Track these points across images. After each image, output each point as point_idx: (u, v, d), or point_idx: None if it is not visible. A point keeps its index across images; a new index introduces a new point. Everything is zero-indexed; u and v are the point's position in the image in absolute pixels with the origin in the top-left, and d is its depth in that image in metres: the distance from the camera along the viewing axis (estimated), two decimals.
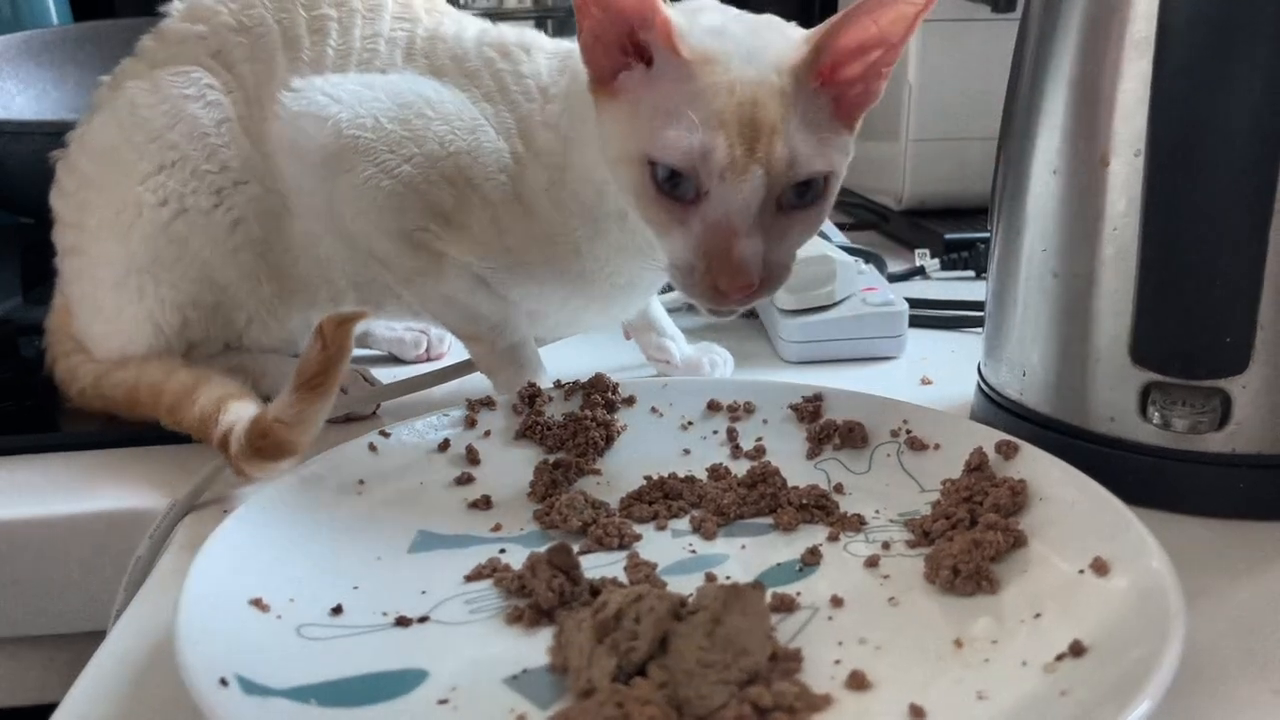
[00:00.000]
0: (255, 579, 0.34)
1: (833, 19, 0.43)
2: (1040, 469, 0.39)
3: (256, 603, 0.33)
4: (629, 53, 0.43)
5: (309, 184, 0.51)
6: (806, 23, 0.45)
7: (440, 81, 0.51)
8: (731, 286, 0.42)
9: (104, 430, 0.54)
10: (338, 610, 0.34)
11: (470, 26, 0.54)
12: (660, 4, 0.41)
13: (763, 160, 0.41)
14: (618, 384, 0.49)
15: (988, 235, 0.51)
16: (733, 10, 0.47)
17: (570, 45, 0.52)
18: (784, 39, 0.44)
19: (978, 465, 0.40)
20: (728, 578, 0.36)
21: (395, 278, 0.53)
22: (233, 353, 0.57)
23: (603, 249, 0.51)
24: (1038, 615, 0.32)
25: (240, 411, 0.46)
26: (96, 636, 0.46)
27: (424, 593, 0.36)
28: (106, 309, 0.54)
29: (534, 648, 0.32)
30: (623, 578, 0.36)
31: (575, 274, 0.52)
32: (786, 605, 0.34)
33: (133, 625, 0.37)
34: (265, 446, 0.42)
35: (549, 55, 0.52)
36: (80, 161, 0.54)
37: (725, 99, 0.41)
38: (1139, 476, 0.41)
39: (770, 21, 0.46)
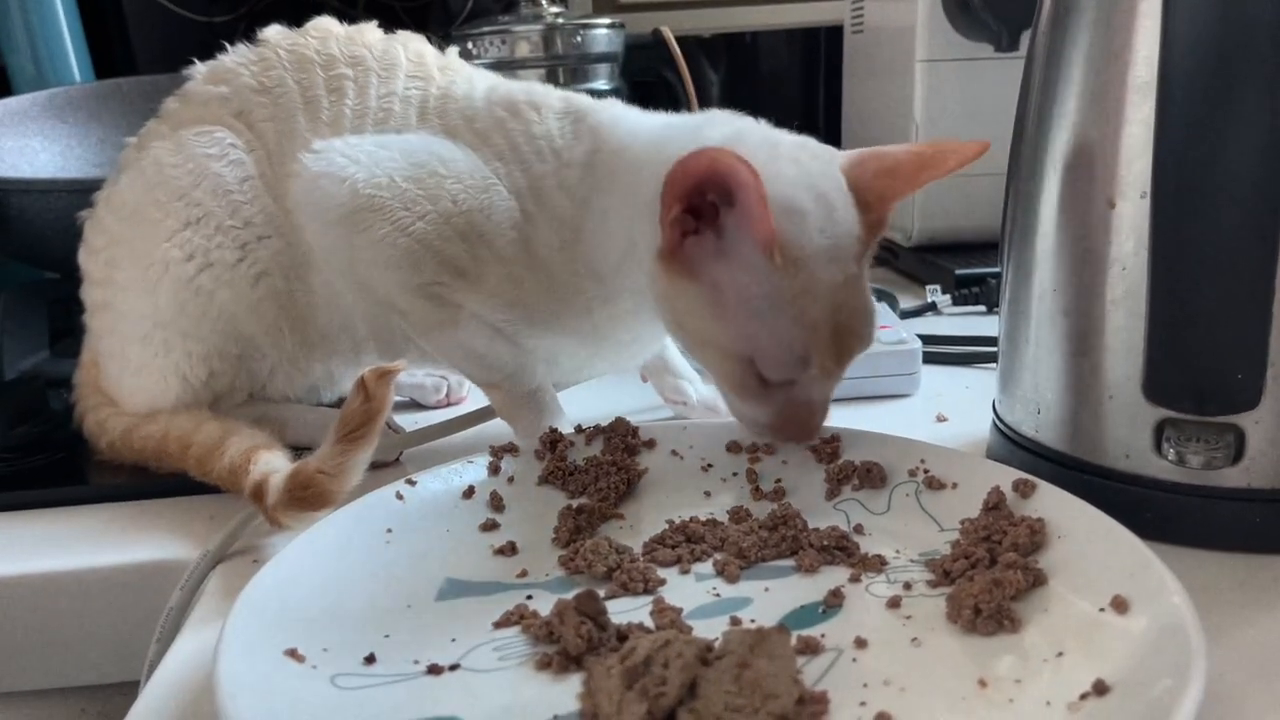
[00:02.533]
0: (289, 629, 0.34)
1: (889, 188, 0.46)
2: (1058, 507, 0.39)
3: (292, 653, 0.33)
4: (695, 214, 0.44)
5: (328, 241, 0.52)
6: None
7: (453, 141, 0.53)
8: (803, 443, 0.47)
9: (133, 482, 0.55)
10: (371, 659, 0.34)
11: (480, 84, 0.56)
12: (771, 214, 0.41)
13: (849, 359, 0.46)
14: (637, 428, 0.50)
15: (998, 270, 0.52)
16: (784, 149, 0.46)
17: (578, 102, 0.53)
18: (845, 198, 0.45)
19: (995, 504, 0.41)
20: (752, 621, 0.36)
21: (413, 328, 0.54)
22: (257, 403, 0.59)
23: (614, 311, 0.52)
24: (1060, 654, 0.32)
25: (271, 462, 0.47)
26: (128, 687, 0.47)
27: (454, 640, 0.36)
28: (134, 363, 0.56)
29: (564, 694, 0.32)
30: (649, 622, 0.36)
31: (587, 329, 0.54)
32: (811, 647, 0.34)
33: (169, 676, 0.37)
34: (307, 497, 0.43)
35: (558, 115, 0.53)
36: (108, 220, 0.56)
37: (819, 309, 0.43)
38: (1156, 512, 0.42)
39: (825, 170, 0.46)
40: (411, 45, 0.56)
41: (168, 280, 0.53)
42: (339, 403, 0.56)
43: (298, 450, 0.49)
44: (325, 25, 0.56)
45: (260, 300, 0.55)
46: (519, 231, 0.52)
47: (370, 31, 0.57)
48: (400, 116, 0.54)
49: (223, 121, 0.54)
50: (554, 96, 0.55)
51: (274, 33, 0.56)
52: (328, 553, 0.40)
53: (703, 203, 0.43)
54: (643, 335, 0.56)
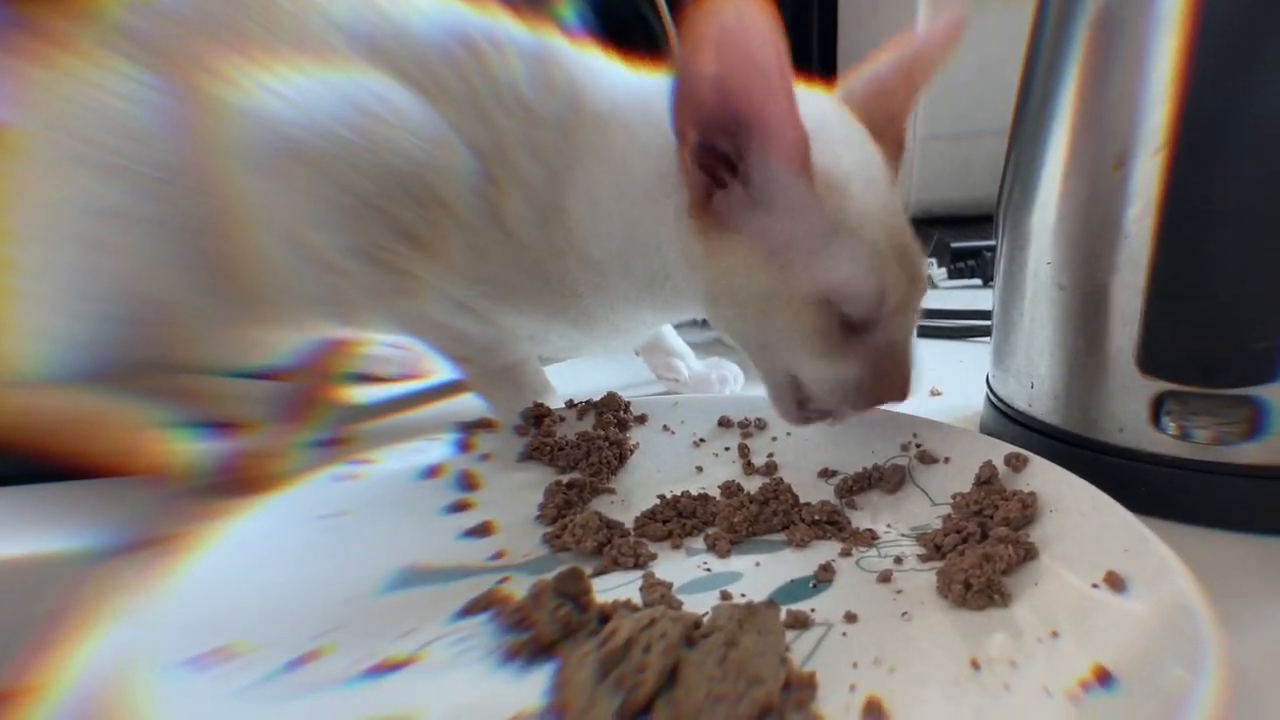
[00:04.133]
0: (222, 624, 0.31)
1: (891, 107, 0.44)
2: (1049, 481, 0.38)
3: (225, 650, 0.30)
4: (710, 171, 0.40)
5: (254, 192, 0.45)
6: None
7: (403, 84, 0.45)
8: (900, 400, 0.42)
9: (20, 464, 0.47)
10: (314, 655, 0.31)
11: (434, 15, 0.48)
12: (800, 118, 0.38)
13: (920, 287, 0.42)
14: (629, 402, 0.49)
15: (994, 243, 0.50)
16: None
17: (548, 43, 0.47)
18: (859, 127, 0.43)
19: (987, 478, 0.40)
20: (743, 595, 0.35)
21: (363, 294, 0.48)
22: (175, 375, 0.51)
23: (609, 298, 0.48)
24: (1055, 634, 0.31)
25: (191, 441, 0.43)
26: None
27: (409, 633, 0.33)
28: (23, 325, 0.47)
29: (530, 689, 0.29)
30: (637, 598, 0.35)
31: (574, 312, 0.49)
32: (801, 622, 0.33)
33: (86, 681, 0.31)
34: (244, 480, 0.39)
35: (525, 59, 0.46)
36: None
37: (875, 230, 0.40)
38: (1151, 488, 0.41)
39: (828, 107, 0.44)
40: None
41: (61, 229, 0.46)
42: (262, 374, 0.51)
43: (215, 426, 0.45)
44: None
45: (171, 256, 0.47)
46: (483, 197, 0.45)
47: None
48: (343, 54, 0.46)
49: (132, 54, 0.45)
50: (519, 34, 0.47)
51: None
52: (270, 539, 0.36)
53: (716, 154, 0.40)
54: (643, 320, 0.51)
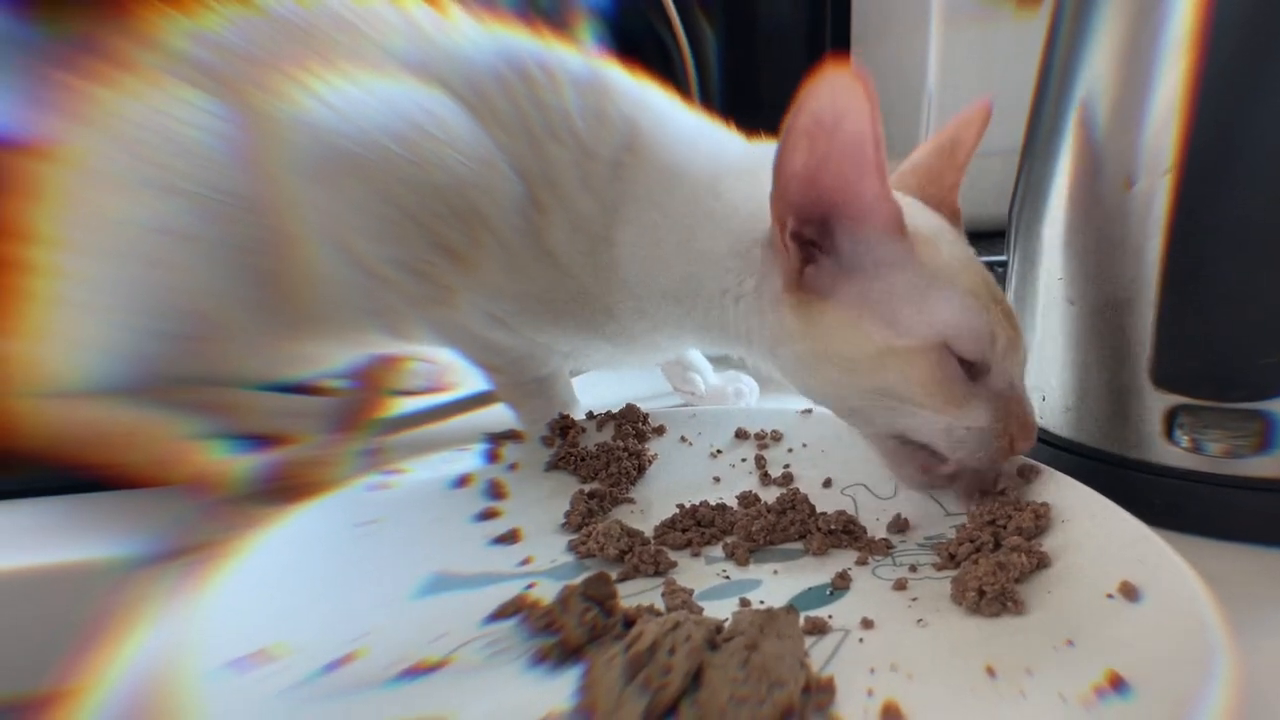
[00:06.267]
0: (261, 628, 0.32)
1: (940, 189, 0.44)
2: (1061, 492, 0.39)
3: (265, 653, 0.31)
4: (806, 245, 0.40)
5: (303, 200, 0.46)
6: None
7: (452, 100, 0.45)
8: (1029, 445, 0.40)
9: (46, 476, 0.48)
10: (350, 658, 0.32)
11: (484, 41, 0.48)
12: (891, 188, 0.38)
13: (1019, 330, 0.41)
14: (648, 414, 0.49)
15: (1004, 258, 0.51)
16: None
17: (601, 73, 0.47)
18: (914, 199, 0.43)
19: (1000, 489, 0.40)
20: (761, 602, 0.36)
21: (403, 302, 0.48)
22: (216, 388, 0.51)
23: (651, 322, 0.48)
24: (1069, 642, 0.31)
25: (231, 454, 0.44)
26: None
27: (440, 637, 0.33)
28: (71, 334, 0.48)
29: (559, 691, 0.30)
30: (659, 604, 0.35)
31: (608, 333, 0.49)
32: (819, 628, 0.34)
33: (130, 683, 0.32)
34: (295, 487, 0.40)
35: (577, 88, 0.46)
36: (60, 175, 0.47)
37: (969, 277, 0.39)
38: (1164, 499, 0.41)
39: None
40: (408, 5, 0.49)
41: (119, 244, 0.46)
42: (299, 387, 0.52)
43: (254, 439, 0.46)
44: None
45: (226, 275, 0.47)
46: (526, 219, 0.45)
47: None
48: (395, 72, 0.46)
49: (198, 82, 0.47)
50: (571, 61, 0.47)
51: None
52: (305, 546, 0.37)
53: (804, 236, 0.40)
54: (681, 341, 0.51)
